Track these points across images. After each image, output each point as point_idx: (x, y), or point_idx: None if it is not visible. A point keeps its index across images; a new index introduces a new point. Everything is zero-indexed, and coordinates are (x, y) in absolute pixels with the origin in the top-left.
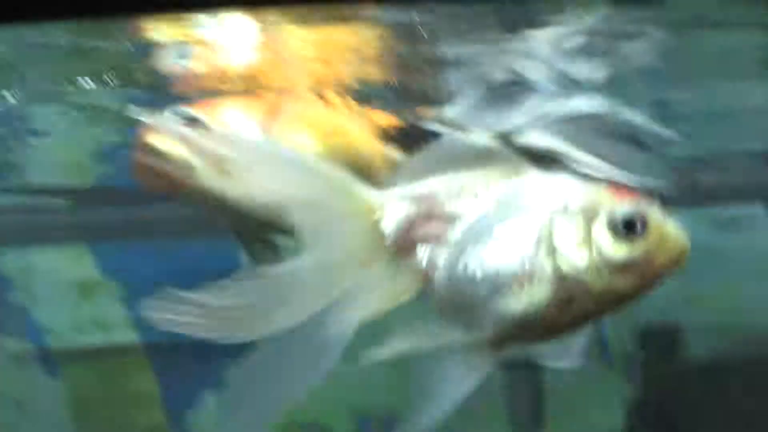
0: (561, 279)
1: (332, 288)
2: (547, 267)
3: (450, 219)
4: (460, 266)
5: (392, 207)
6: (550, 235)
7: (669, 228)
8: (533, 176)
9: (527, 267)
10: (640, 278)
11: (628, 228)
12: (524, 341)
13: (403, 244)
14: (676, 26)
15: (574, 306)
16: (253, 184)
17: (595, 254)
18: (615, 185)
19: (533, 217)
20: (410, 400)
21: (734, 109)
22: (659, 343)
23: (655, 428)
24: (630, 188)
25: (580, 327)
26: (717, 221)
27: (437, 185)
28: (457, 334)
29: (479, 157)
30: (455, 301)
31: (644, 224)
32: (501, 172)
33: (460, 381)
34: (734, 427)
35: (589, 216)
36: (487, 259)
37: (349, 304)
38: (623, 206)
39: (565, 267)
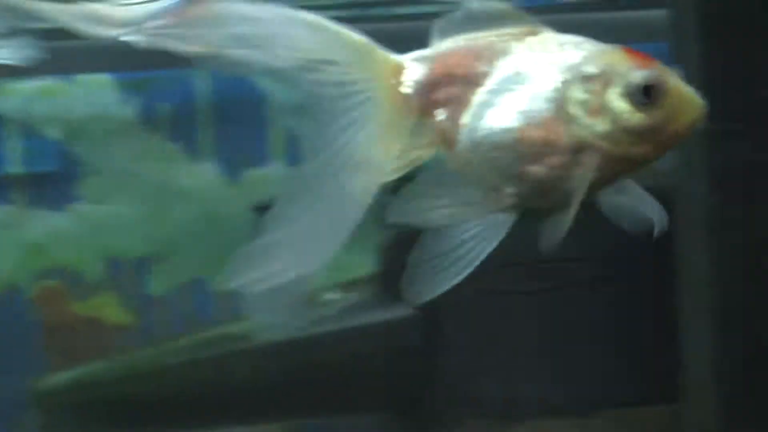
0: (578, 147)
1: (354, 150)
2: (563, 135)
3: (470, 81)
4: (481, 129)
5: (412, 68)
6: (566, 101)
7: (686, 93)
8: (549, 37)
9: (544, 134)
10: (657, 144)
11: (645, 95)
12: (543, 204)
13: (425, 106)
14: None
15: (587, 169)
16: (269, 51)
17: (611, 122)
18: (631, 49)
19: (549, 82)
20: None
21: None
22: None
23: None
24: (645, 53)
25: (597, 191)
26: None
27: (456, 47)
28: (478, 194)
29: (496, 19)
30: (475, 163)
31: (662, 91)
32: (518, 33)
33: (482, 240)
34: None
35: (606, 82)
36: (505, 123)
37: (370, 166)
38: (641, 73)
39: (582, 135)
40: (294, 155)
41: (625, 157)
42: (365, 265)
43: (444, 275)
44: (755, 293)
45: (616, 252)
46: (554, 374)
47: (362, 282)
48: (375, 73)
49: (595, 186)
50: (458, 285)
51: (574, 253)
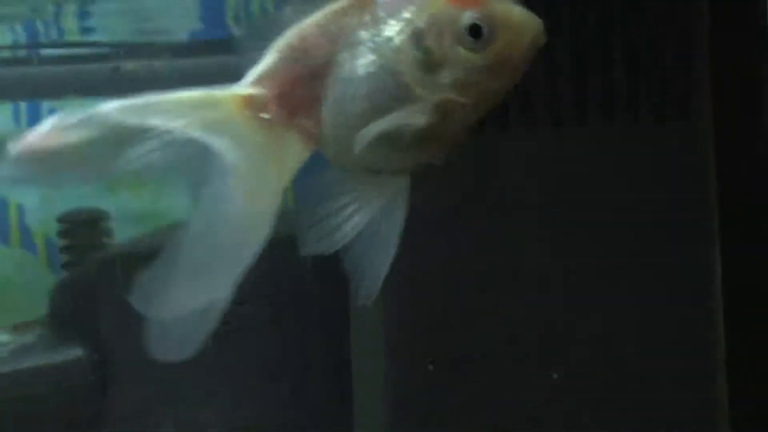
0: (431, 105)
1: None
2: (413, 96)
3: (317, 74)
4: (341, 116)
5: (252, 93)
6: (408, 62)
7: (517, 19)
8: (379, 4)
9: (399, 101)
10: (505, 73)
11: (476, 35)
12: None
13: (284, 114)
14: None
15: (452, 119)
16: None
17: (453, 71)
18: None
19: (388, 48)
20: None
21: None
22: (83, 231)
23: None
24: None
25: (468, 132)
26: None
27: (291, 45)
28: (368, 179)
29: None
30: (344, 148)
31: (490, 26)
32: (348, 7)
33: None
34: None
35: (436, 34)
36: (362, 105)
37: (259, 197)
38: (465, 14)
39: (431, 92)
40: None
41: (479, 96)
42: (36, 307)
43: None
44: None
45: (287, 296)
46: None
47: (34, 324)
48: (221, 116)
49: (465, 129)
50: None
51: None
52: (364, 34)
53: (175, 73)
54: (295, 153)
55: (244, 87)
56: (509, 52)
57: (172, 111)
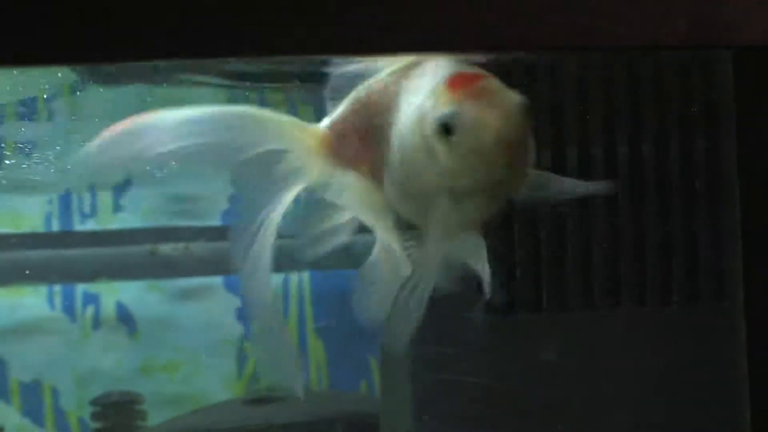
0: (431, 189)
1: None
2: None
3: (378, 125)
4: (392, 169)
5: (326, 133)
6: (415, 147)
7: (487, 109)
8: (423, 70)
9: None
10: (493, 156)
11: (448, 132)
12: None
13: (348, 156)
14: None
15: (463, 206)
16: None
17: (437, 158)
18: (458, 76)
19: (414, 114)
20: None
21: None
22: (116, 414)
23: None
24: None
25: (492, 210)
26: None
27: (360, 98)
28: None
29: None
30: (397, 197)
31: (460, 124)
32: (404, 68)
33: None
34: None
35: (425, 124)
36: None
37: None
38: (439, 112)
39: (427, 177)
40: None
41: (475, 183)
42: None
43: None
44: None
45: None
46: None
47: None
48: (296, 145)
49: (484, 211)
50: None
51: None
52: (410, 98)
53: (211, 256)
54: (353, 191)
55: (320, 126)
56: (487, 138)
57: (265, 122)
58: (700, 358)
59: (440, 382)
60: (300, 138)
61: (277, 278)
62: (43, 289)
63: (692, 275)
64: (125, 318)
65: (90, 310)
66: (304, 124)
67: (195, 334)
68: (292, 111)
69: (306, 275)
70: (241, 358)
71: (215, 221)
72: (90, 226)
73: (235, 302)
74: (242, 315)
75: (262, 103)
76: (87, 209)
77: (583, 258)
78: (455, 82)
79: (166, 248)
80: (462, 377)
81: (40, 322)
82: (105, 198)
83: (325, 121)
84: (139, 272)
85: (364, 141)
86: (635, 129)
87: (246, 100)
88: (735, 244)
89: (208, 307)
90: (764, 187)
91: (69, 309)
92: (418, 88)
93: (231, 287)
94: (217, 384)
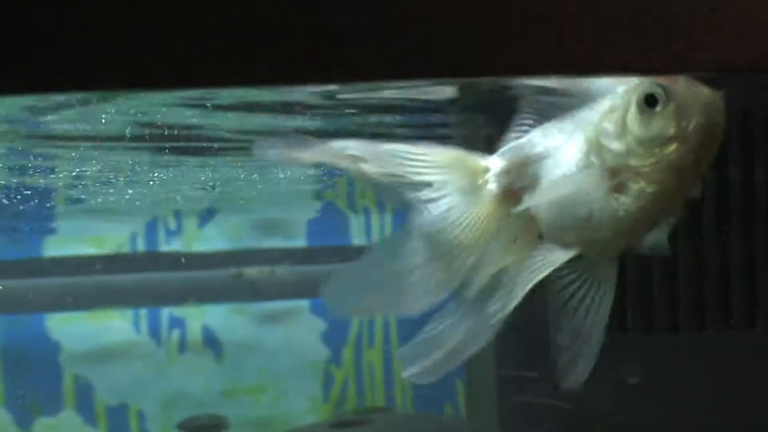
0: (614, 174)
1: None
2: (601, 173)
3: (538, 160)
4: (549, 201)
5: (495, 167)
6: (597, 138)
7: (691, 90)
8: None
9: (591, 181)
10: (685, 144)
11: (650, 104)
12: (624, 242)
13: (510, 196)
14: None
15: (638, 198)
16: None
17: (630, 139)
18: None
19: (586, 130)
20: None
21: None
22: None
23: None
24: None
25: (667, 213)
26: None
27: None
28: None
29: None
30: (558, 233)
31: (665, 94)
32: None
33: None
34: None
35: (625, 108)
36: (565, 187)
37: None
38: (642, 85)
39: (616, 161)
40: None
41: (663, 168)
42: None
43: None
44: None
45: None
46: None
47: None
48: (464, 178)
49: (655, 209)
50: None
51: None
52: (578, 119)
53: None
54: (513, 223)
55: (489, 159)
56: (683, 120)
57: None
58: None
59: (526, 405)
60: (465, 173)
61: None
62: (129, 313)
63: None
64: (211, 342)
65: (176, 334)
66: (473, 157)
67: (280, 357)
68: None
69: None
70: (328, 381)
71: (300, 243)
72: (175, 246)
73: (321, 325)
74: (328, 338)
75: None
76: (173, 228)
77: (669, 281)
78: (656, 78)
79: (251, 271)
80: (547, 399)
81: (127, 346)
82: (191, 220)
83: (498, 153)
84: (224, 295)
85: (529, 172)
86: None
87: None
88: None
89: (294, 330)
90: None
91: (155, 332)
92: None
93: (316, 310)
94: (302, 407)
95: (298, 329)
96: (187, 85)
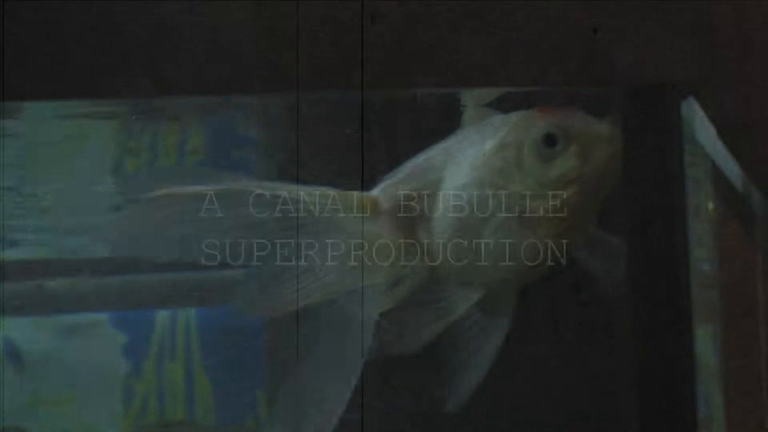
0: (517, 214)
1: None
2: (500, 207)
3: (434, 186)
4: (441, 225)
5: (382, 198)
6: (489, 173)
7: (594, 130)
8: (493, 119)
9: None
10: (582, 187)
11: (550, 144)
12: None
13: (405, 226)
14: None
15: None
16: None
17: (528, 180)
18: (544, 108)
19: (477, 161)
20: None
21: None
22: None
23: None
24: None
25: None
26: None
27: (417, 163)
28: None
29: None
30: (455, 264)
31: (564, 135)
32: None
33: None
34: None
35: (517, 145)
36: (461, 219)
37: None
38: (541, 124)
39: (508, 199)
40: None
41: (565, 208)
42: None
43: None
44: None
45: None
46: None
47: None
48: (348, 211)
49: (563, 238)
50: None
51: None
52: (469, 151)
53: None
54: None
55: (373, 191)
56: (583, 162)
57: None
58: None
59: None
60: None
61: (164, 314)
62: None
63: None
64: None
65: None
66: (354, 192)
67: (81, 370)
68: None
69: (192, 311)
70: (129, 394)
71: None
72: None
73: (122, 338)
74: (128, 351)
75: None
76: None
77: None
78: (544, 110)
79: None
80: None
81: None
82: None
83: (377, 187)
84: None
85: (418, 204)
86: None
87: None
88: None
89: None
90: None
91: None
92: (484, 136)
93: (117, 324)
94: (104, 420)
95: (98, 342)
96: None
